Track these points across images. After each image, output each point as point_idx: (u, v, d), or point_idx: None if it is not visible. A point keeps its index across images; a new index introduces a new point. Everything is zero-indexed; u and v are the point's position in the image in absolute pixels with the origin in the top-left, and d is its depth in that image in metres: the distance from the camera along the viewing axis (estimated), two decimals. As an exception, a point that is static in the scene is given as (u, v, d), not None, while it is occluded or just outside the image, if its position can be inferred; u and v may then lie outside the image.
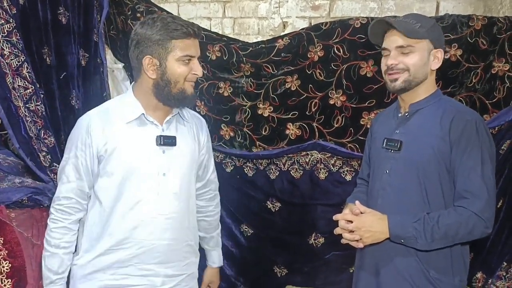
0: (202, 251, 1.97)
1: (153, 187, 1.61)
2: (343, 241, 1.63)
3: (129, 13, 2.64)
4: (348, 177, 2.37)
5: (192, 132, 1.76)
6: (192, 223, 1.77)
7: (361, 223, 1.57)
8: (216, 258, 1.99)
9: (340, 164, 2.38)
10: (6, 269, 1.64)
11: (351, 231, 1.58)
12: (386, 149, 1.67)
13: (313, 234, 2.47)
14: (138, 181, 1.60)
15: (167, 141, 1.63)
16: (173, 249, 1.67)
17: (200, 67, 1.61)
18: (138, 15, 2.62)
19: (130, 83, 2.74)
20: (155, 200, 1.62)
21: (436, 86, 1.70)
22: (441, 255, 1.57)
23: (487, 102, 2.17)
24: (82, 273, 1.63)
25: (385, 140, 1.68)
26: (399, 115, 1.70)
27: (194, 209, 1.80)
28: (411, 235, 1.52)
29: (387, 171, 1.66)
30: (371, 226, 1.57)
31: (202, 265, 1.97)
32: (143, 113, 1.61)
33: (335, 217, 1.64)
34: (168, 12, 2.63)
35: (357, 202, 1.63)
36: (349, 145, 2.37)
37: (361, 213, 1.59)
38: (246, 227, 2.61)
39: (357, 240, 1.58)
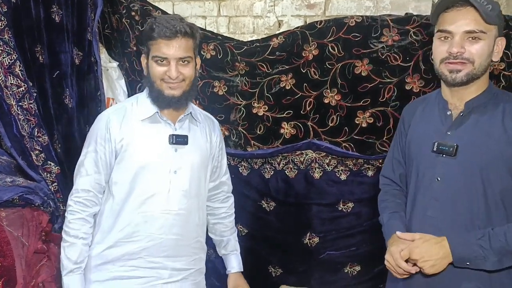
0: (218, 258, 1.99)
1: (164, 184, 1.67)
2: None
3: (124, 11, 2.63)
4: (343, 177, 2.36)
5: (205, 133, 1.81)
6: (202, 220, 1.81)
7: (417, 254, 1.37)
8: (235, 263, 1.98)
9: (334, 163, 2.37)
10: (-4, 268, 1.63)
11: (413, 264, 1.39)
12: (437, 154, 1.47)
13: (308, 234, 2.46)
14: (150, 177, 1.66)
15: (179, 139, 1.69)
16: (181, 244, 1.71)
17: (174, 69, 1.61)
18: (133, 13, 2.61)
19: (125, 82, 2.75)
20: (166, 197, 1.67)
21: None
22: (504, 274, 1.38)
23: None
24: (93, 264, 1.68)
25: (436, 143, 1.47)
26: (448, 113, 1.49)
27: (204, 207, 1.84)
28: (478, 254, 1.33)
29: (439, 179, 1.46)
30: (430, 254, 1.36)
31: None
32: (157, 112, 1.68)
33: (391, 261, 1.43)
34: (163, 12, 2.62)
35: (398, 233, 1.45)
36: (343, 144, 2.36)
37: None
38: (240, 226, 2.60)
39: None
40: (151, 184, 1.66)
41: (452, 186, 1.45)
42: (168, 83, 1.63)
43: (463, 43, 1.38)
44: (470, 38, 1.38)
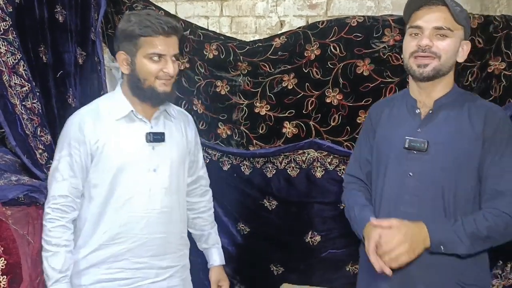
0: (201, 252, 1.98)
1: (144, 183, 1.64)
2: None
3: (127, 11, 2.64)
4: (345, 172, 2.37)
5: (180, 128, 1.78)
6: (183, 216, 1.80)
7: (404, 238, 1.38)
8: (217, 257, 1.97)
9: (336, 162, 2.38)
10: (2, 265, 1.64)
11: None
12: (408, 150, 1.52)
13: (310, 232, 2.47)
14: (129, 177, 1.62)
15: (157, 137, 1.66)
16: (166, 242, 1.70)
17: (172, 66, 1.59)
18: (136, 13, 2.63)
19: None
20: (147, 196, 1.64)
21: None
22: (471, 264, 1.47)
23: (483, 101, 2.16)
24: (77, 269, 1.65)
25: (408, 140, 1.52)
26: (417, 111, 1.56)
27: (185, 203, 1.82)
28: (453, 239, 1.40)
29: (411, 174, 1.52)
30: (413, 236, 1.39)
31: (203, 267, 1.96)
32: (132, 110, 1.64)
33: (370, 252, 1.43)
34: (166, 12, 2.64)
35: (373, 219, 1.47)
36: (345, 143, 2.37)
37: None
38: (242, 225, 2.61)
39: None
40: (131, 185, 1.63)
41: (425, 182, 1.50)
42: (162, 79, 1.60)
43: (432, 38, 1.46)
44: (439, 35, 1.46)
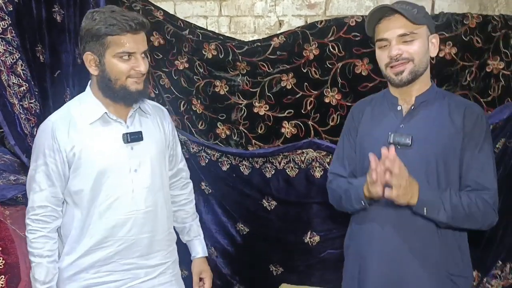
0: (184, 245, 1.96)
1: (127, 184, 1.62)
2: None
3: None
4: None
5: (157, 123, 1.75)
6: (169, 211, 1.79)
7: (405, 176, 1.42)
8: (199, 248, 1.95)
9: (335, 162, 2.37)
10: (0, 265, 1.64)
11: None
12: (393, 145, 1.52)
13: (309, 233, 2.47)
14: (111, 180, 1.60)
15: (134, 137, 1.63)
16: (154, 240, 1.69)
17: (143, 63, 1.55)
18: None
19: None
20: (130, 197, 1.62)
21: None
22: (457, 255, 1.57)
23: (481, 100, 2.16)
24: (66, 275, 1.63)
25: (392, 135, 1.57)
26: (399, 108, 1.61)
27: (169, 198, 1.81)
28: (437, 205, 1.47)
29: None
30: (410, 183, 1.44)
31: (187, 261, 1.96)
32: (105, 112, 1.60)
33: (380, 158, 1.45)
34: (165, 12, 2.63)
35: (371, 156, 1.46)
36: (344, 143, 2.37)
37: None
38: (242, 225, 2.61)
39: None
40: (113, 188, 1.60)
41: (411, 175, 1.51)
42: (134, 78, 1.55)
43: (400, 46, 1.52)
44: (405, 41, 1.52)
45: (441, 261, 1.56)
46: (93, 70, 1.56)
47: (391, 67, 1.56)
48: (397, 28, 1.52)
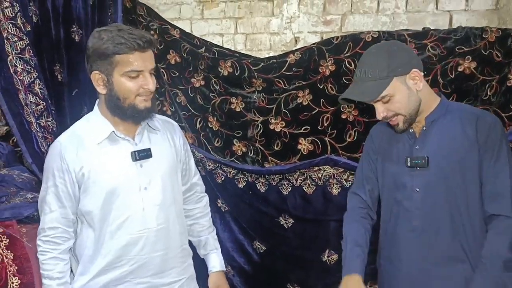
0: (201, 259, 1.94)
1: (137, 203, 1.59)
2: None
3: (143, 31, 2.67)
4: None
5: (167, 138, 1.72)
6: (183, 227, 1.75)
7: None
8: (216, 262, 1.90)
9: (353, 179, 2.32)
10: (16, 285, 1.64)
11: None
12: (411, 168, 1.57)
13: (327, 251, 2.43)
14: (122, 200, 1.57)
15: (143, 154, 1.60)
16: (167, 258, 1.66)
17: (151, 81, 1.52)
18: (152, 32, 2.65)
19: (144, 100, 2.78)
20: (141, 216, 1.60)
21: (436, 94, 1.62)
22: None
23: (503, 115, 2.11)
24: None
25: (409, 158, 1.57)
26: (411, 130, 1.60)
27: (182, 212, 1.77)
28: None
29: (418, 190, 1.56)
30: None
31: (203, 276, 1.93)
32: (113, 131, 1.58)
33: None
34: (182, 30, 2.66)
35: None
36: (362, 160, 2.33)
37: None
38: (258, 243, 2.58)
39: None
40: (123, 207, 1.57)
41: (431, 195, 1.54)
42: (143, 96, 1.53)
43: (382, 107, 1.51)
44: (383, 102, 1.50)
45: (470, 276, 1.52)
46: (100, 89, 1.54)
47: (386, 122, 1.60)
48: (375, 104, 1.53)
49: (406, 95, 1.51)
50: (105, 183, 1.55)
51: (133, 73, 1.49)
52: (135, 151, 1.59)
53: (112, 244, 1.58)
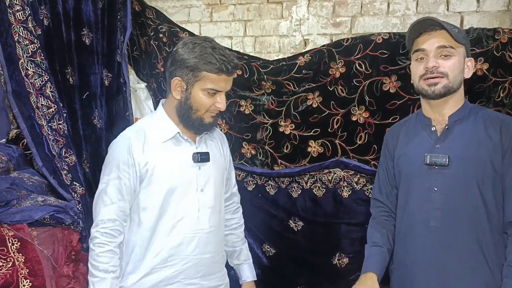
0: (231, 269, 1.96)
1: (193, 203, 1.65)
2: None
3: (152, 34, 2.68)
4: (370, 195, 2.32)
5: (219, 147, 1.80)
6: (223, 235, 1.81)
7: None
8: (249, 272, 1.95)
9: (363, 182, 2.33)
10: None
11: None
12: (429, 166, 1.56)
13: (337, 254, 2.41)
14: (179, 198, 1.63)
15: (203, 157, 1.67)
16: (214, 261, 1.71)
17: (224, 102, 1.62)
18: (161, 35, 2.66)
19: (153, 103, 2.79)
20: (196, 216, 1.65)
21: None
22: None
23: (516, 117, 2.10)
24: None
25: (428, 156, 1.56)
26: (433, 129, 1.60)
27: (223, 220, 1.83)
28: None
29: (436, 189, 1.54)
30: None
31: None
32: (178, 132, 1.65)
33: None
34: (190, 33, 2.66)
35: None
36: (372, 162, 2.32)
37: None
38: (268, 246, 2.57)
39: None
40: (181, 206, 1.63)
41: (450, 195, 1.52)
42: (212, 113, 1.63)
43: (437, 59, 1.52)
44: (443, 56, 1.52)
45: (491, 282, 1.50)
46: (176, 94, 1.61)
47: (425, 79, 1.54)
48: (437, 41, 1.52)
49: (460, 67, 1.54)
50: (166, 181, 1.61)
51: (213, 91, 1.58)
52: (197, 153, 1.66)
53: (166, 242, 1.62)
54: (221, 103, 1.60)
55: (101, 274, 1.56)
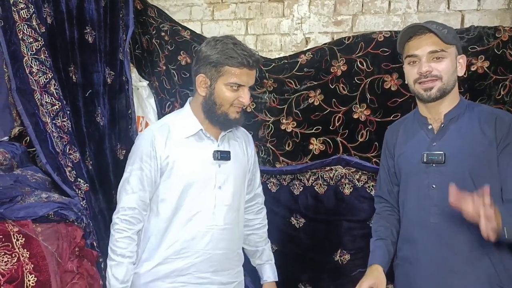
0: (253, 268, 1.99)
1: (210, 199, 1.69)
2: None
3: (154, 32, 2.69)
4: (374, 192, 2.33)
5: (243, 147, 1.84)
6: (240, 233, 1.84)
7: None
8: (270, 273, 1.98)
9: (365, 179, 2.34)
10: (32, 283, 1.65)
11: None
12: (427, 164, 1.59)
13: (339, 251, 2.42)
14: (196, 194, 1.68)
15: (224, 155, 1.72)
16: (226, 258, 1.74)
17: (248, 96, 1.66)
18: (163, 34, 2.67)
19: (155, 101, 2.80)
20: (211, 212, 1.69)
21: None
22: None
23: (516, 114, 2.11)
24: (142, 281, 1.69)
25: (425, 154, 1.59)
26: (430, 127, 1.64)
27: (242, 219, 1.86)
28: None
29: (434, 186, 1.58)
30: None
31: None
32: (201, 129, 1.70)
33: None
34: (192, 32, 2.67)
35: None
36: (374, 159, 2.33)
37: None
38: (270, 243, 2.57)
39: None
40: (197, 201, 1.68)
41: (447, 191, 1.51)
42: (236, 107, 1.67)
43: (430, 63, 1.55)
44: (435, 59, 1.55)
45: (493, 275, 1.52)
46: (201, 91, 1.67)
47: (420, 83, 1.58)
48: (428, 45, 1.55)
49: (453, 67, 1.58)
50: (185, 175, 1.67)
51: (236, 86, 1.63)
52: (217, 151, 1.71)
53: (180, 234, 1.67)
54: (244, 97, 1.65)
55: (119, 259, 1.64)
